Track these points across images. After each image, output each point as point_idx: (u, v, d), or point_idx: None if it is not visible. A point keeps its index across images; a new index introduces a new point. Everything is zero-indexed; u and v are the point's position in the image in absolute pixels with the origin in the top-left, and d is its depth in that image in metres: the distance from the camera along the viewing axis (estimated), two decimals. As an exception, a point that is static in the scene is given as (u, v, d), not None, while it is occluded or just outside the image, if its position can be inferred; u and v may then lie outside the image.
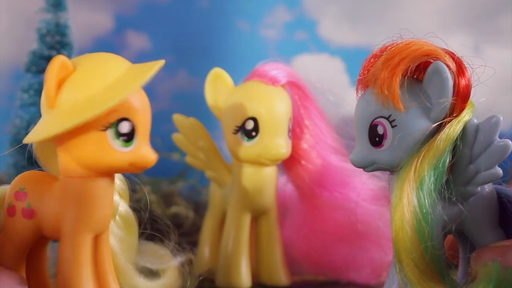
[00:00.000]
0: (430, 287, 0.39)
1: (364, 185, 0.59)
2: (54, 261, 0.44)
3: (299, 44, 0.99)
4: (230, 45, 0.98)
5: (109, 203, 0.41)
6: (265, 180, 0.60)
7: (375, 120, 0.42)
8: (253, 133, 0.57)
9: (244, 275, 0.59)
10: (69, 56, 0.71)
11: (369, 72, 0.42)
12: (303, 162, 0.61)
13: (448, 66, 0.40)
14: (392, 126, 0.41)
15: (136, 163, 0.39)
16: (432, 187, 0.39)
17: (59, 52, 0.70)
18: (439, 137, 0.40)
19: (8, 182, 0.42)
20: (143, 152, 0.39)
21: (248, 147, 0.57)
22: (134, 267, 0.47)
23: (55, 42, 0.71)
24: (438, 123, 0.40)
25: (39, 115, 0.69)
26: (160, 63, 0.39)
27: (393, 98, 0.40)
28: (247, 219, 0.60)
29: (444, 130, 0.40)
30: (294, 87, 0.60)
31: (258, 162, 0.59)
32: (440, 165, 0.40)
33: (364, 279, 0.60)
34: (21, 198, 0.40)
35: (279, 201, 0.63)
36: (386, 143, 0.41)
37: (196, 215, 0.79)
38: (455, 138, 0.40)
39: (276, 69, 0.59)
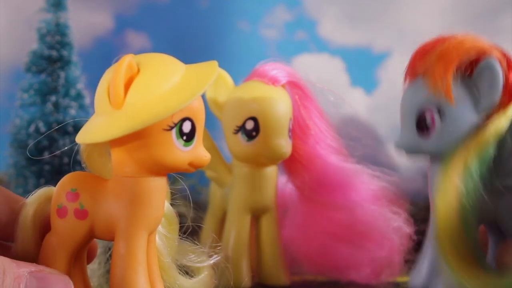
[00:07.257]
0: (469, 271, 0.40)
1: (364, 185, 0.59)
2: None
3: (299, 44, 0.99)
4: (230, 45, 0.98)
5: (163, 202, 0.41)
6: (265, 180, 0.60)
7: (425, 110, 0.43)
8: (254, 133, 0.57)
9: (244, 275, 0.59)
10: (69, 56, 0.71)
11: (422, 63, 0.44)
12: (303, 162, 0.61)
13: (500, 62, 0.42)
14: (441, 117, 0.43)
15: (194, 163, 0.40)
16: (478, 178, 0.41)
17: (59, 52, 0.70)
18: (487, 129, 0.41)
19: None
20: (201, 151, 0.40)
21: (248, 147, 0.57)
22: (175, 265, 0.47)
23: (55, 42, 0.71)
24: (485, 116, 0.42)
25: (39, 115, 0.70)
26: (215, 63, 0.40)
27: (446, 91, 0.42)
28: (247, 219, 0.60)
29: (492, 123, 0.42)
30: (295, 87, 0.60)
31: (258, 162, 0.59)
32: (487, 157, 0.41)
33: (364, 279, 0.60)
34: (73, 199, 0.39)
35: (279, 201, 0.63)
36: (434, 132, 0.43)
37: (196, 215, 0.79)
38: (503, 131, 0.42)
39: (276, 69, 0.59)
